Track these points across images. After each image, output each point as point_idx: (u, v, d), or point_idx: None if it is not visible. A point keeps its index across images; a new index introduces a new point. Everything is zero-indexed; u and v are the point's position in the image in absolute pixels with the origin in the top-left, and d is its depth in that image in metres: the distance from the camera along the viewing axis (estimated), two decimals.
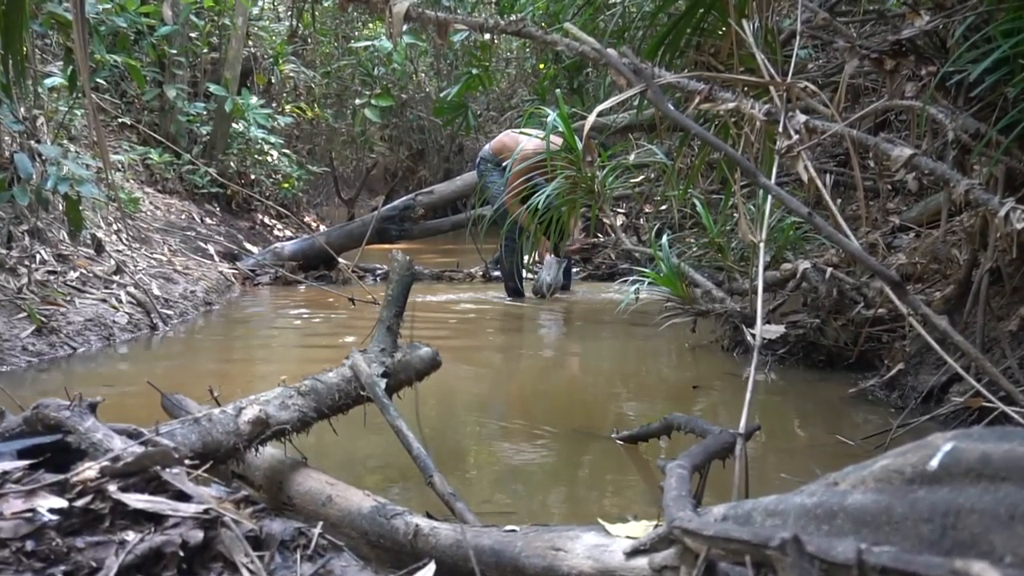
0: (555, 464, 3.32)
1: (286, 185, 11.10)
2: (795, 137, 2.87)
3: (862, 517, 1.20)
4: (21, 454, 1.83)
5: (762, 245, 2.65)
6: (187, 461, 1.87)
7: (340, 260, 7.78)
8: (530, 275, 8.08)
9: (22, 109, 5.42)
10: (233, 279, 7.79)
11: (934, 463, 1.16)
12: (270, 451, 2.46)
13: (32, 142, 5.41)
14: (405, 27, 3.41)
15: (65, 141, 6.36)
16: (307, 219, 12.28)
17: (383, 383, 2.64)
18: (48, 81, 5.96)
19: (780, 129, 2.88)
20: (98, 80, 7.54)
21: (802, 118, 2.95)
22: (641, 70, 2.94)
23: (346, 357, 2.71)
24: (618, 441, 3.34)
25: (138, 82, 6.86)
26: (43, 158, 5.11)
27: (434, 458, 2.32)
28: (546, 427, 3.78)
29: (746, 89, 3.16)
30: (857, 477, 1.27)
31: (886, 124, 5.66)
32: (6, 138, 5.55)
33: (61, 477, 1.64)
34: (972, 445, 1.13)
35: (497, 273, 8.55)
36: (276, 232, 10.78)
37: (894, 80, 3.44)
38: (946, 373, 3.61)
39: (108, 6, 6.61)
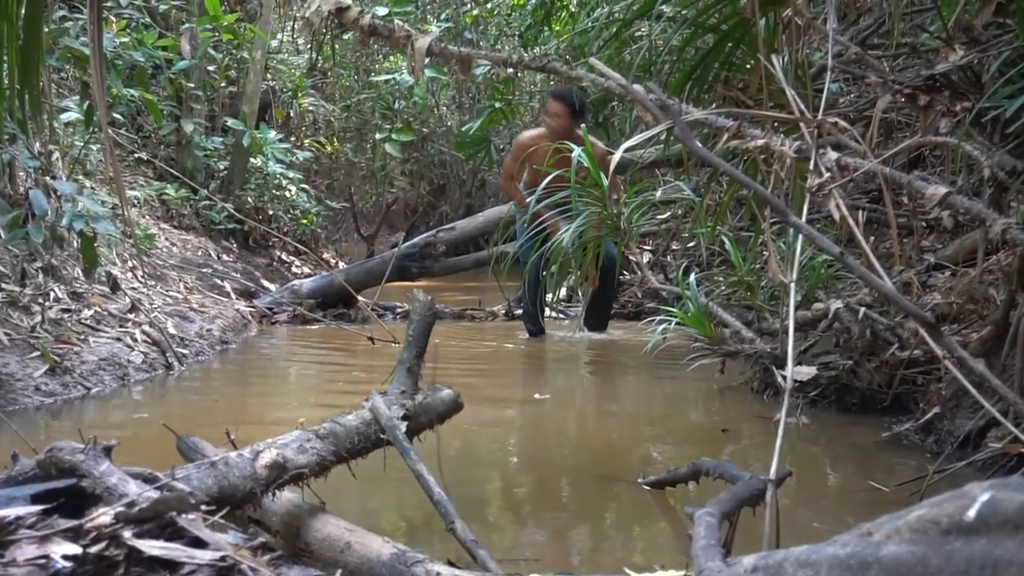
0: (580, 510, 3.24)
1: (304, 221, 11.07)
2: (826, 175, 2.80)
3: (897, 569, 1.17)
4: (35, 499, 1.80)
5: (793, 285, 2.58)
6: (203, 507, 1.83)
7: (359, 298, 7.74)
8: (555, 313, 8.02)
9: (37, 144, 5.39)
10: (250, 317, 7.72)
11: (971, 514, 1.13)
12: (287, 495, 2.39)
13: (47, 178, 5.38)
14: (426, 61, 3.37)
15: (80, 176, 6.34)
16: (325, 255, 12.25)
17: (403, 426, 2.58)
18: (64, 116, 5.95)
19: (811, 166, 2.81)
20: (115, 115, 7.54)
21: (834, 155, 2.88)
22: (668, 106, 2.89)
23: (365, 399, 2.65)
24: (645, 486, 3.25)
25: (155, 117, 6.84)
26: (58, 194, 5.08)
27: (455, 503, 2.26)
28: (570, 471, 3.71)
29: (776, 125, 3.10)
30: (892, 527, 1.24)
31: (920, 159, 5.59)
32: (21, 174, 5.53)
33: (75, 523, 1.62)
34: (1010, 495, 1.11)
35: (520, 311, 8.49)
36: (294, 269, 10.74)
37: (928, 116, 3.38)
38: (983, 417, 3.51)
39: (126, 40, 6.62)
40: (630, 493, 3.29)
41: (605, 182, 5.24)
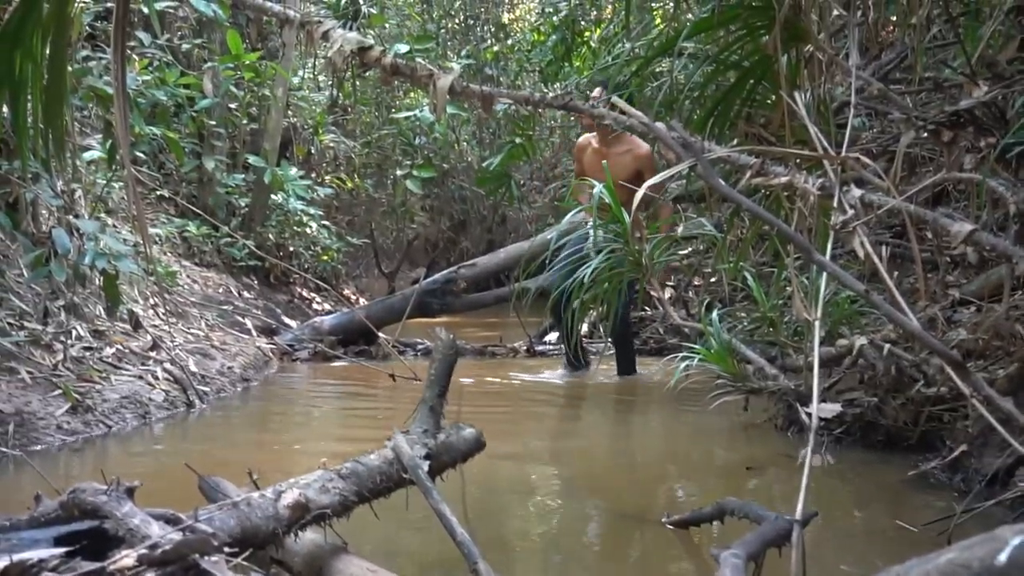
0: (604, 550, 3.21)
1: (325, 257, 11.09)
2: (850, 212, 2.78)
3: None
4: (58, 541, 1.81)
5: (817, 323, 2.56)
6: (226, 548, 1.82)
7: (380, 335, 7.72)
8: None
9: (60, 183, 5.43)
10: (271, 354, 7.71)
11: (1002, 557, 1.08)
12: (309, 536, 2.38)
13: (70, 216, 5.41)
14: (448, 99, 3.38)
15: (102, 214, 6.37)
16: (346, 292, 12.26)
17: (426, 465, 2.56)
18: (86, 154, 5.98)
19: (835, 204, 2.79)
20: (137, 153, 7.58)
21: (858, 192, 2.86)
22: (690, 144, 2.88)
23: (388, 438, 2.64)
24: (669, 526, 3.22)
25: (177, 155, 6.88)
26: (81, 233, 5.11)
27: (478, 543, 2.23)
28: (594, 510, 3.68)
29: (798, 162, 3.08)
30: (921, 571, 1.20)
31: (944, 194, 5.56)
32: (44, 212, 5.56)
33: (98, 565, 1.63)
34: None
35: (541, 348, 8.46)
36: (315, 305, 10.74)
37: (952, 152, 3.36)
38: (1011, 456, 3.47)
39: (148, 78, 6.67)
40: (655, 533, 3.25)
41: (627, 218, 5.21)
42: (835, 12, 3.57)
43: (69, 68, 3.59)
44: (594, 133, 6.93)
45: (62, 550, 1.69)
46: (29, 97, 2.90)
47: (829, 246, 2.73)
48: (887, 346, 4.28)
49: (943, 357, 2.43)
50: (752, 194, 3.42)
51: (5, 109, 2.94)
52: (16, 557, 1.57)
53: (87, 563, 1.63)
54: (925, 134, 3.42)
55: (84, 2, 6.08)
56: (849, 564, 2.93)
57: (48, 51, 2.84)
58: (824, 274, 2.65)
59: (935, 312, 4.39)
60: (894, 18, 4.75)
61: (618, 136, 6.60)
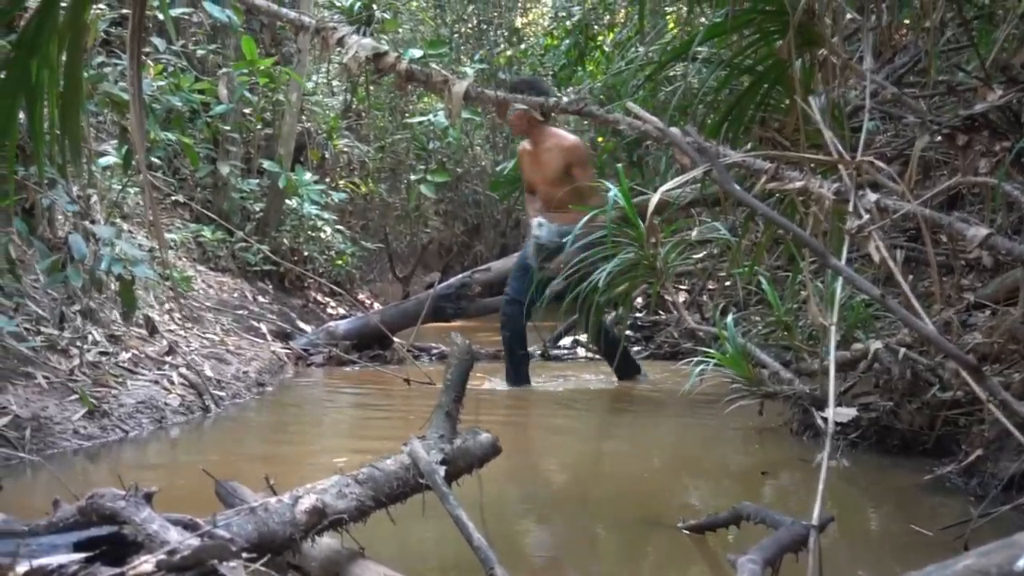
0: (619, 555, 3.21)
1: (339, 262, 11.11)
2: (866, 217, 2.78)
3: None
4: (77, 547, 1.81)
5: (833, 328, 2.56)
6: (243, 553, 1.83)
7: (395, 339, 7.74)
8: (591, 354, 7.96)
9: (76, 188, 5.45)
10: (286, 359, 7.73)
11: (1021, 563, 1.10)
12: (326, 541, 2.39)
13: (86, 222, 5.43)
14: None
15: (118, 220, 6.39)
16: (361, 296, 12.27)
17: (442, 471, 2.57)
18: (102, 160, 6.01)
19: (850, 208, 2.79)
20: (152, 158, 7.61)
21: (873, 197, 2.86)
22: (705, 149, 2.89)
23: (404, 444, 2.64)
24: (684, 531, 3.21)
25: (192, 160, 6.91)
26: (97, 238, 5.13)
27: (494, 548, 2.23)
28: (609, 514, 3.68)
29: (813, 166, 3.08)
30: None
31: (958, 197, 5.54)
32: (60, 218, 5.59)
33: (117, 571, 1.64)
34: None
35: (556, 352, 8.45)
36: (329, 310, 10.76)
37: (967, 156, 3.35)
38: None
39: (163, 84, 6.70)
40: (670, 537, 3.25)
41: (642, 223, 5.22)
42: (848, 16, 3.57)
43: (85, 74, 3.62)
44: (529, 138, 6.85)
45: (81, 555, 1.70)
46: (45, 103, 2.92)
47: (844, 250, 2.73)
48: (902, 350, 4.27)
49: (959, 361, 2.43)
50: (766, 198, 3.42)
51: (22, 115, 2.95)
52: (36, 563, 1.58)
53: (106, 568, 1.64)
54: (939, 138, 3.41)
55: (100, 9, 6.11)
56: (866, 569, 2.92)
57: (64, 57, 2.86)
58: (840, 278, 2.65)
59: (950, 316, 4.37)
60: (907, 21, 4.75)
61: (544, 133, 6.59)
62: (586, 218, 5.91)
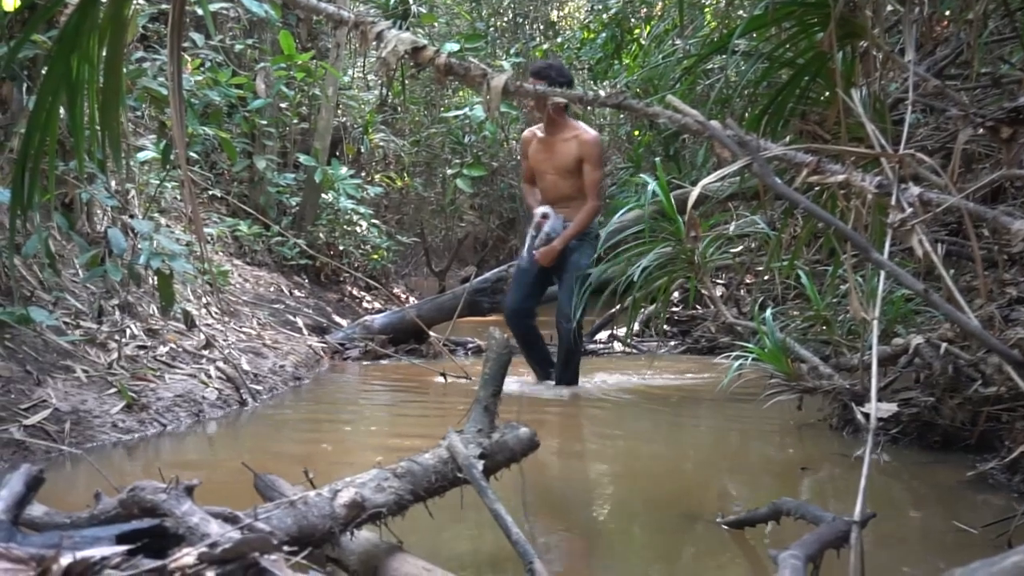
0: (659, 549, 3.20)
1: (375, 256, 11.13)
2: (908, 210, 2.74)
3: None
4: (119, 539, 1.81)
5: (875, 323, 2.54)
6: (284, 547, 1.83)
7: (431, 334, 7.73)
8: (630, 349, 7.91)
9: (114, 183, 5.49)
10: (322, 353, 7.74)
11: None
12: (365, 535, 2.39)
13: (125, 217, 5.48)
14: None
15: (156, 214, 6.43)
16: (396, 291, 12.30)
17: (480, 465, 2.57)
18: (140, 155, 6.05)
19: (893, 202, 2.76)
20: (190, 153, 7.65)
21: (916, 190, 2.82)
22: (746, 143, 2.86)
23: (442, 437, 2.64)
24: (724, 526, 3.20)
25: (230, 155, 6.93)
26: (136, 233, 5.17)
27: (532, 542, 2.23)
28: (648, 510, 3.66)
29: (854, 159, 3.05)
30: (986, 573, 1.19)
31: (1000, 190, 5.47)
32: (99, 212, 5.63)
33: (159, 563, 1.62)
34: None
35: (592, 347, 8.37)
36: (365, 304, 10.78)
37: (1011, 149, 3.30)
38: None
39: (200, 79, 6.73)
40: (709, 532, 3.23)
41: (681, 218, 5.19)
42: (890, 7, 3.53)
43: (124, 70, 3.64)
44: (540, 124, 6.67)
45: (124, 548, 1.70)
46: (85, 99, 2.94)
47: (887, 244, 2.70)
48: (944, 345, 4.22)
49: (1004, 357, 2.41)
50: (806, 192, 3.40)
51: (63, 111, 2.97)
52: (79, 555, 1.58)
53: (148, 561, 1.64)
54: (983, 131, 3.36)
55: (139, 4, 6.15)
56: (909, 565, 2.90)
57: (104, 53, 2.88)
58: (882, 272, 2.62)
59: (993, 311, 4.32)
60: (949, 13, 4.70)
61: (564, 123, 6.46)
62: (619, 215, 5.89)
